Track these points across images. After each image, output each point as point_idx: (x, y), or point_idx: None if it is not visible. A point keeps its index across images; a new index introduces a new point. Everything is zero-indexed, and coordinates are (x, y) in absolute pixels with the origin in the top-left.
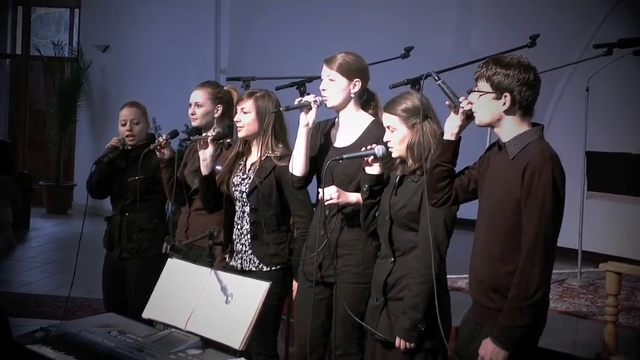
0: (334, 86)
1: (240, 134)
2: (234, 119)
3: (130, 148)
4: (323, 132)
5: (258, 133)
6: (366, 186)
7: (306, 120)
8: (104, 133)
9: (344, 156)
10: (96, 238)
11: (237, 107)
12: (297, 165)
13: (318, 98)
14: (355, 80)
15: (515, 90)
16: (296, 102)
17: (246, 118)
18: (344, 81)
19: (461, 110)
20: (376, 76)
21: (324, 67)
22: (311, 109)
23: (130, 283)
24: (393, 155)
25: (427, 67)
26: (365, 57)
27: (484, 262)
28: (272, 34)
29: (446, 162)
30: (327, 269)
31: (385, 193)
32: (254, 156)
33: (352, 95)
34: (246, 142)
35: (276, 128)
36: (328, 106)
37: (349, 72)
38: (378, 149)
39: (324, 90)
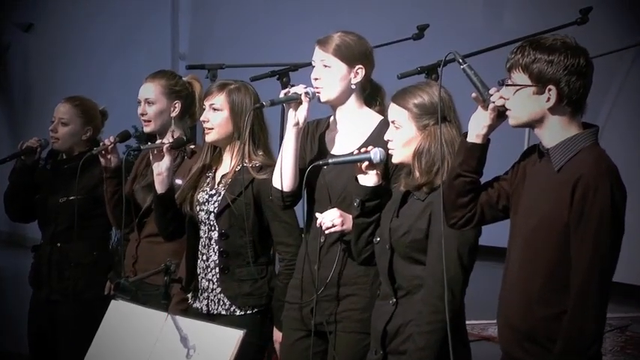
0: (330, 74)
1: (209, 138)
2: (201, 118)
3: (58, 155)
4: (314, 135)
5: (232, 137)
6: (358, 200)
7: (296, 118)
8: (26, 136)
9: (329, 160)
10: (17, 274)
11: (205, 103)
12: (286, 177)
13: (310, 89)
14: (357, 67)
15: (561, 81)
16: (282, 94)
17: (216, 118)
18: (342, 68)
19: (491, 106)
20: (380, 62)
21: (317, 50)
22: (301, 103)
23: (63, 334)
24: (394, 160)
25: (446, 51)
26: (366, 38)
27: (518, 303)
28: (245, 11)
29: (469, 171)
30: (323, 315)
31: (386, 214)
32: (226, 166)
33: (353, 86)
34: (216, 149)
35: (256, 130)
36: (322, 100)
37: (349, 56)
38: (375, 153)
39: (316, 79)
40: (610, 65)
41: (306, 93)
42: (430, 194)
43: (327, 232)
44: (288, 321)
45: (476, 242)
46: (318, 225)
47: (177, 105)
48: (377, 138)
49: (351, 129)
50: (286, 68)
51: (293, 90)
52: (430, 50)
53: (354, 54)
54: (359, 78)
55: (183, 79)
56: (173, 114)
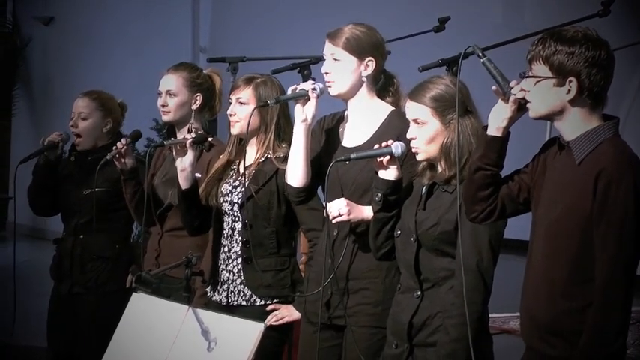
0: (340, 68)
1: (235, 130)
2: (228, 112)
3: (82, 149)
4: (330, 128)
5: (258, 130)
6: (379, 195)
7: (304, 114)
8: (48, 130)
9: (352, 155)
10: (41, 267)
11: (232, 97)
12: (295, 173)
13: (318, 85)
14: (367, 59)
15: (582, 73)
16: (289, 91)
17: (243, 111)
18: (353, 61)
19: (512, 98)
20: (401, 55)
21: (327, 44)
22: (309, 99)
23: (84, 327)
24: (419, 158)
25: (467, 44)
26: (387, 30)
27: (541, 296)
28: (266, 3)
29: (490, 165)
30: (336, 308)
31: (408, 208)
32: (250, 158)
33: (364, 79)
34: (241, 142)
35: (281, 123)
36: (332, 93)
37: (359, 49)
38: (397, 147)
39: (327, 73)
40: (632, 57)
41: (314, 89)
42: (459, 186)
43: (334, 221)
44: (302, 314)
45: (503, 232)
46: (325, 215)
47: (199, 98)
48: (387, 128)
49: (362, 121)
50: (307, 61)
51: (300, 86)
52: (451, 43)
53: (364, 46)
54: (369, 70)
55: (204, 72)
56: (194, 106)
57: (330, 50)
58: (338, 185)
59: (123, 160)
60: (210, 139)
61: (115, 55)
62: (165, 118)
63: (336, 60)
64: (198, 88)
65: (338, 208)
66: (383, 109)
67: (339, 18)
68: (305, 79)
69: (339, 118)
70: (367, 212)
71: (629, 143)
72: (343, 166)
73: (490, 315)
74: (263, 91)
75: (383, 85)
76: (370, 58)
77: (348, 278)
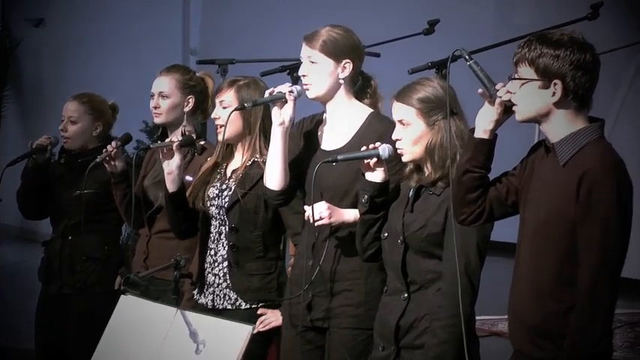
0: (317, 70)
1: (221, 137)
2: (212, 116)
3: (71, 149)
4: (309, 131)
5: (243, 133)
6: (366, 196)
7: (281, 117)
8: (38, 132)
9: (338, 157)
10: (29, 270)
11: (216, 100)
12: (273, 176)
13: (295, 88)
14: (344, 62)
15: (567, 76)
16: (266, 94)
17: (226, 114)
18: (329, 63)
19: (498, 101)
20: (390, 58)
21: (304, 46)
22: (286, 102)
23: (72, 328)
24: (404, 159)
25: (457, 46)
26: (377, 33)
27: (529, 298)
28: (256, 5)
29: (478, 167)
30: (318, 311)
31: (395, 210)
32: (237, 161)
33: (341, 81)
34: (228, 146)
35: (266, 126)
36: (310, 96)
37: (336, 51)
38: (384, 149)
39: (304, 76)
40: (621, 60)
41: (291, 92)
42: (446, 188)
43: (315, 224)
44: (286, 316)
45: (490, 235)
46: (306, 218)
47: (191, 100)
48: (366, 131)
49: (341, 123)
50: (296, 63)
51: (278, 89)
52: (441, 45)
53: (341, 49)
54: (346, 72)
55: (197, 74)
56: (186, 109)
57: (306, 53)
58: (317, 188)
59: (113, 163)
60: (202, 143)
61: (106, 57)
62: (157, 120)
63: (312, 62)
64: (190, 90)
65: (319, 212)
66: (361, 111)
67: (328, 21)
68: (294, 82)
69: (318, 121)
70: (347, 215)
71: (618, 144)
72: (324, 168)
73: (478, 317)
74: (245, 93)
75: (361, 86)
76: (347, 60)
77: (330, 280)
